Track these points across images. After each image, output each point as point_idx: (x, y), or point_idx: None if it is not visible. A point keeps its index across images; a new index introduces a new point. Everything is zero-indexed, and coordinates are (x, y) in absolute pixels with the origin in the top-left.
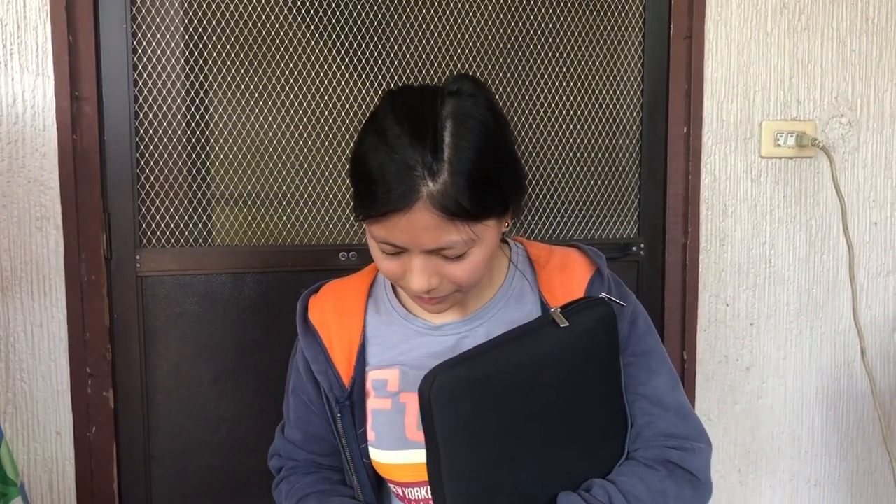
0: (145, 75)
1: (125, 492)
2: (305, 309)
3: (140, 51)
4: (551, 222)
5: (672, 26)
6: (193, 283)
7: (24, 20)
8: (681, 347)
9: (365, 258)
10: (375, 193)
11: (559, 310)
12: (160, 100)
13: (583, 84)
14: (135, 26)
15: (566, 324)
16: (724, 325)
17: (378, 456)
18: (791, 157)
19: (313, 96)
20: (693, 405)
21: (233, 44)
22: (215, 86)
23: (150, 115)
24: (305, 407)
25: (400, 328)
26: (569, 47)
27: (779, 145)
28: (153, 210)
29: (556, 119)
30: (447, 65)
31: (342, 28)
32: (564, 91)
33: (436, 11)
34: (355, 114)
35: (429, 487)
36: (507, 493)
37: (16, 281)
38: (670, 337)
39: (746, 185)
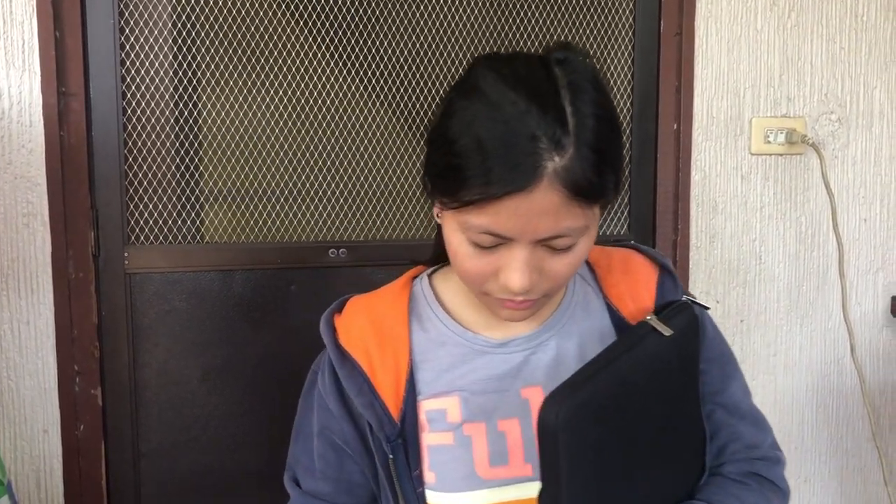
0: (133, 71)
1: (114, 489)
2: (335, 332)
3: (128, 46)
4: None
5: (662, 23)
6: (182, 280)
7: (10, 15)
8: None
9: (356, 255)
10: (488, 171)
11: (655, 317)
12: (148, 96)
13: None
14: (122, 22)
15: (670, 332)
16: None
17: (441, 500)
18: (781, 154)
19: (302, 92)
20: None
21: (221, 40)
22: (203, 82)
23: (139, 111)
24: (338, 451)
25: (456, 347)
26: None
27: (769, 142)
28: (141, 207)
29: None
30: (438, 61)
31: (331, 24)
32: None
33: (426, 7)
34: (344, 110)
35: None
36: None
37: (2, 278)
38: None
39: (736, 182)
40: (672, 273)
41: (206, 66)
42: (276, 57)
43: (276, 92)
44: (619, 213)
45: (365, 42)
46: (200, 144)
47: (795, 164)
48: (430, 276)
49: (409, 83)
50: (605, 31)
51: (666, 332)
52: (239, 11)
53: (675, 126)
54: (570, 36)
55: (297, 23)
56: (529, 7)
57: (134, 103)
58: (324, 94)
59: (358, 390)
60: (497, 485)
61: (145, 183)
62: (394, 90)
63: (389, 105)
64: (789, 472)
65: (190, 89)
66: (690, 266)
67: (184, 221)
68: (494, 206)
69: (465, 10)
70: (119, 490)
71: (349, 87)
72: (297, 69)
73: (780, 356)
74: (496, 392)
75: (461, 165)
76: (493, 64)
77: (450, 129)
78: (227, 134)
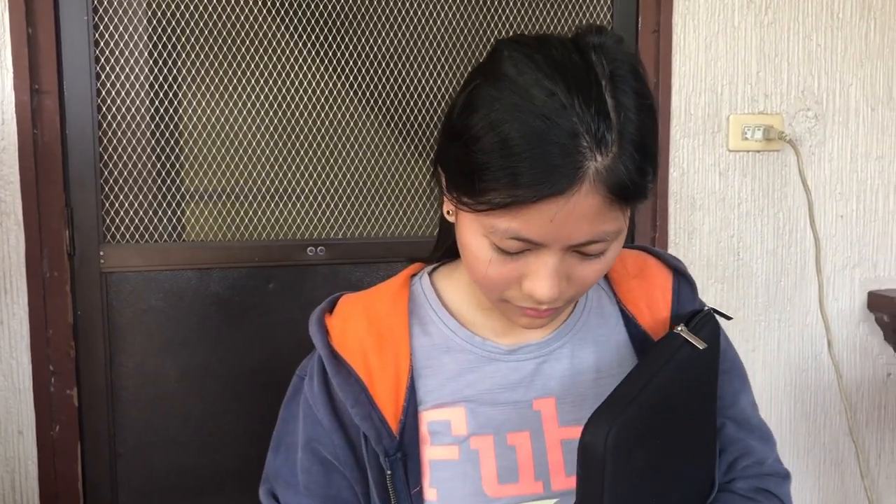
0: (108, 68)
1: (90, 491)
2: (327, 334)
3: (102, 43)
4: None
5: (640, 20)
6: (159, 278)
7: None
8: None
9: (334, 253)
10: (522, 173)
11: (686, 328)
12: (123, 93)
13: None
14: (97, 18)
15: (704, 346)
16: None
17: None
18: (758, 151)
19: (279, 90)
20: None
21: (197, 37)
22: (179, 79)
23: (114, 109)
24: (325, 465)
25: (462, 354)
26: None
27: (746, 139)
28: (117, 205)
29: None
30: (417, 59)
31: (309, 20)
32: None
33: (410, 5)
34: (322, 108)
35: None
36: None
37: None
38: None
39: (714, 179)
40: (688, 277)
41: (182, 63)
42: (254, 54)
43: (254, 90)
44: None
45: (344, 40)
46: (177, 143)
47: (773, 160)
48: (430, 274)
49: (388, 81)
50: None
51: (700, 344)
52: (216, 8)
53: None
54: (550, 33)
55: (273, 19)
56: (510, 4)
57: (109, 101)
58: (301, 92)
59: (355, 400)
60: (505, 503)
61: (121, 181)
62: (371, 88)
63: (367, 103)
64: None
65: (166, 87)
66: None
67: (160, 220)
68: (527, 210)
69: (444, 9)
70: (96, 491)
71: (326, 85)
72: (275, 67)
73: (758, 352)
74: (506, 403)
75: (490, 164)
76: (524, 48)
77: (477, 121)
78: (204, 132)
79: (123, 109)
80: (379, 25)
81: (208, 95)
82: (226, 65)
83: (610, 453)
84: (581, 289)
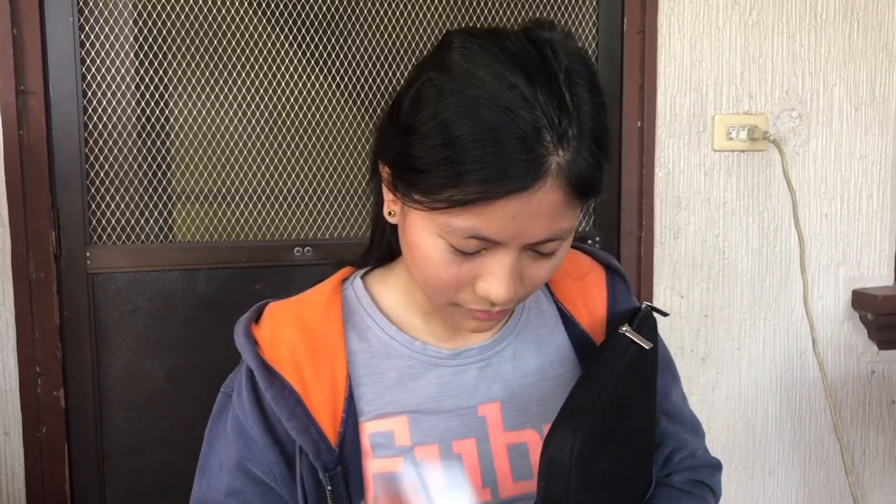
0: (94, 69)
1: (77, 492)
2: (256, 345)
3: (88, 44)
4: None
5: (625, 21)
6: (145, 279)
7: None
8: None
9: (321, 254)
10: (487, 168)
11: (629, 328)
12: (110, 94)
13: None
14: (82, 19)
15: (651, 345)
16: (679, 316)
17: None
18: (743, 151)
19: (266, 91)
20: None
21: (183, 38)
22: (166, 80)
23: (100, 110)
24: (260, 485)
25: (402, 360)
26: None
27: (731, 139)
28: (103, 206)
29: None
30: (405, 60)
31: (299, 21)
32: None
33: (396, 6)
34: (308, 109)
35: None
36: None
37: None
38: None
39: (700, 179)
40: (622, 274)
41: (168, 64)
42: (240, 55)
43: (241, 90)
44: (584, 210)
45: (331, 40)
46: (163, 143)
47: (757, 160)
48: (363, 278)
49: (374, 81)
50: (569, 29)
51: (646, 344)
52: (202, 9)
53: (639, 123)
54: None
55: (259, 19)
56: (495, 5)
57: (95, 102)
58: (287, 92)
59: (290, 413)
60: None
61: (107, 182)
62: (357, 88)
63: (354, 103)
64: (754, 463)
65: (152, 87)
66: (655, 262)
67: (146, 221)
68: (488, 208)
69: (430, 9)
70: (83, 493)
71: (313, 86)
72: (262, 67)
73: (743, 350)
74: (450, 410)
75: (452, 160)
76: (478, 40)
77: (432, 114)
78: (191, 133)
79: (109, 110)
80: (365, 26)
81: (195, 96)
82: (212, 65)
83: (576, 464)
84: (531, 289)
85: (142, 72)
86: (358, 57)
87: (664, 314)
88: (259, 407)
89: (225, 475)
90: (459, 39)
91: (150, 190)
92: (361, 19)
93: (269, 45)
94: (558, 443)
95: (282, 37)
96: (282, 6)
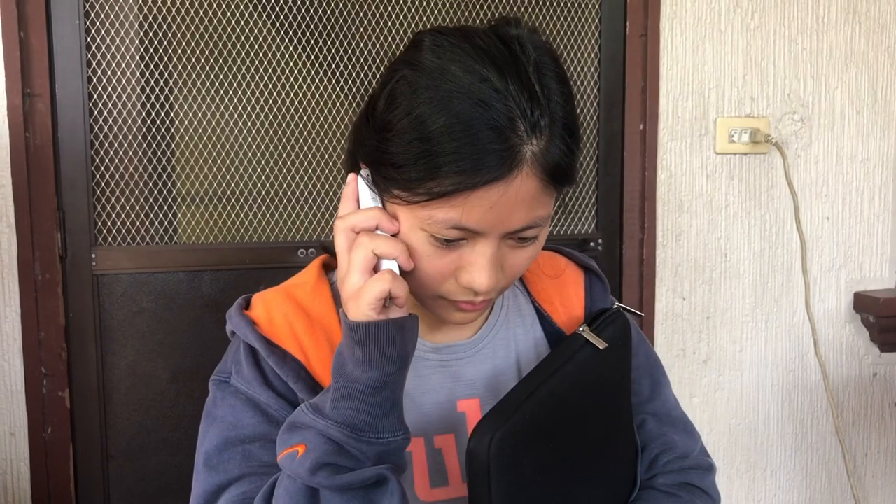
0: (100, 72)
1: (82, 492)
2: (252, 323)
3: (94, 47)
4: None
5: (628, 24)
6: (150, 281)
7: None
8: None
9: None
10: (465, 158)
11: (588, 328)
12: (115, 97)
13: None
14: (88, 22)
15: (605, 345)
16: (681, 318)
17: None
18: (745, 154)
19: (270, 93)
20: None
21: (188, 40)
22: (171, 83)
23: (105, 113)
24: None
25: None
26: None
27: (733, 141)
28: (108, 208)
29: None
30: None
31: (304, 24)
32: None
33: (400, 9)
34: (313, 110)
35: None
36: None
37: None
38: None
39: (702, 181)
40: (599, 275)
41: (173, 67)
42: (245, 58)
43: (245, 93)
44: (586, 213)
45: (335, 42)
46: (168, 145)
47: (759, 163)
48: None
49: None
50: (572, 33)
51: (600, 344)
52: (206, 12)
53: (641, 126)
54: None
55: (264, 23)
56: (497, 9)
57: (101, 104)
58: (291, 94)
59: (296, 376)
60: None
61: (112, 184)
62: (361, 90)
63: (358, 105)
64: (756, 465)
65: (157, 90)
66: (657, 264)
67: (151, 222)
68: (467, 198)
69: (434, 13)
70: (88, 493)
71: (318, 88)
72: (266, 70)
73: (745, 352)
74: (431, 405)
75: (428, 153)
76: (448, 38)
77: (407, 111)
78: (196, 135)
79: (115, 112)
80: (369, 28)
81: (199, 98)
82: (217, 68)
83: (494, 461)
84: (512, 278)
85: (147, 74)
86: (361, 59)
87: (639, 315)
88: (262, 375)
89: (242, 448)
90: (430, 38)
91: (156, 192)
92: (365, 22)
93: (274, 48)
94: (478, 439)
95: (286, 40)
96: (286, 9)
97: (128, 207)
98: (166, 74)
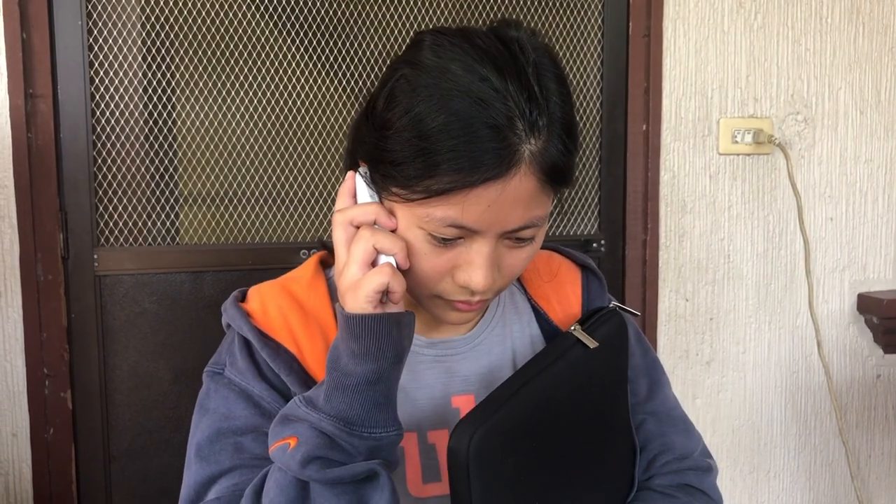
0: (102, 73)
1: (84, 493)
2: (247, 315)
3: (96, 48)
4: None
5: (631, 25)
6: (152, 281)
7: None
8: None
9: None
10: (463, 157)
11: (580, 327)
12: (118, 97)
13: None
14: (90, 23)
15: (595, 344)
16: (684, 320)
17: None
18: (748, 154)
19: (273, 93)
20: None
21: (191, 41)
22: (173, 83)
23: (108, 113)
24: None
25: None
26: None
27: (736, 142)
28: (111, 209)
29: None
30: None
31: (306, 25)
32: None
33: (404, 10)
34: (315, 111)
35: None
36: None
37: None
38: None
39: (705, 182)
40: (596, 273)
41: (176, 68)
42: (247, 58)
43: (248, 93)
44: (589, 214)
45: (338, 43)
46: (171, 146)
47: (762, 163)
48: None
49: None
50: (575, 33)
51: (591, 343)
52: (209, 13)
53: (644, 127)
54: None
55: (266, 23)
56: (500, 10)
57: (103, 105)
58: (294, 95)
59: (289, 369)
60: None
61: (115, 185)
62: (364, 91)
63: (360, 106)
64: (759, 467)
65: (160, 91)
66: (660, 265)
67: (154, 223)
68: (465, 196)
69: (437, 14)
70: (90, 494)
71: (319, 89)
72: (269, 70)
73: (748, 353)
74: (425, 400)
75: (427, 151)
76: (448, 38)
77: (407, 109)
78: (198, 136)
79: (117, 113)
80: (371, 29)
81: (202, 99)
82: (219, 68)
83: (473, 459)
84: (509, 278)
85: (149, 75)
86: (364, 60)
87: (634, 314)
88: (256, 367)
89: (234, 439)
90: (430, 38)
91: (158, 192)
92: (367, 22)
93: (276, 49)
94: (458, 437)
95: (288, 40)
96: (288, 10)
97: (130, 208)
98: (168, 75)
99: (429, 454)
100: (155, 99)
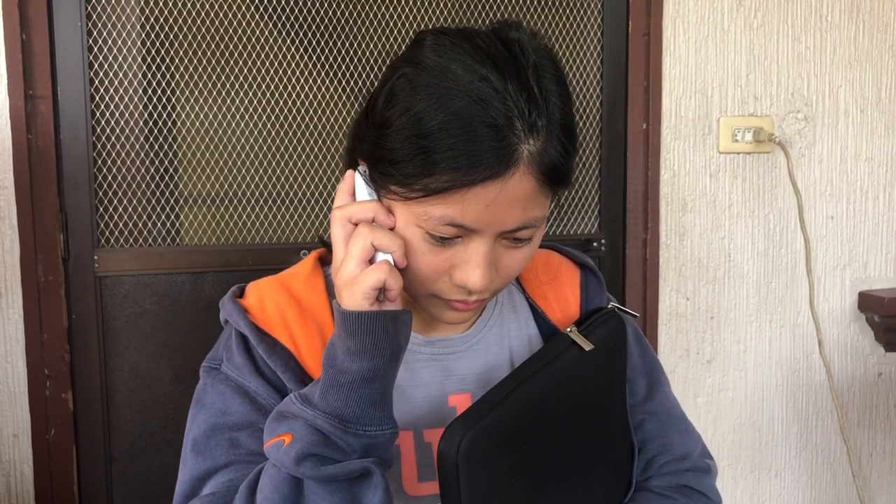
0: (101, 74)
1: (85, 494)
2: (245, 311)
3: (96, 49)
4: None
5: (630, 23)
6: (153, 282)
7: None
8: None
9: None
10: (461, 155)
11: (576, 329)
12: (117, 98)
13: None
14: (90, 24)
15: (591, 347)
16: (684, 319)
17: None
18: (749, 153)
19: (273, 93)
20: None
21: (191, 42)
22: (173, 84)
23: (108, 114)
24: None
25: None
26: None
27: (736, 141)
28: (111, 209)
29: None
30: None
31: (305, 25)
32: None
33: (404, 11)
34: (314, 111)
35: None
36: None
37: None
38: None
39: (705, 181)
40: (595, 273)
41: (175, 68)
42: (247, 58)
43: (248, 94)
44: (589, 212)
45: (337, 44)
46: (171, 147)
47: (763, 162)
48: None
49: None
50: (574, 32)
51: (586, 346)
52: (208, 14)
53: (644, 125)
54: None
55: (266, 23)
56: (500, 9)
57: (103, 106)
58: (294, 95)
59: (285, 365)
60: (425, 502)
61: (115, 185)
62: (364, 91)
63: (360, 106)
64: (761, 466)
65: (159, 91)
66: (661, 264)
67: (154, 224)
68: (464, 195)
69: (437, 13)
70: (91, 494)
71: (319, 89)
72: (269, 70)
73: (749, 352)
74: (422, 398)
75: (426, 149)
76: (449, 37)
77: (407, 107)
78: (198, 136)
79: (117, 114)
80: (372, 29)
81: (202, 100)
82: (219, 69)
83: (462, 462)
84: (506, 279)
85: (149, 76)
86: (364, 60)
87: (633, 315)
88: (253, 363)
89: (229, 435)
90: (431, 37)
91: (158, 193)
92: (367, 23)
93: (276, 49)
94: (447, 440)
95: (287, 41)
96: (287, 10)
97: (130, 209)
98: (168, 76)
99: (424, 453)
100: (155, 99)
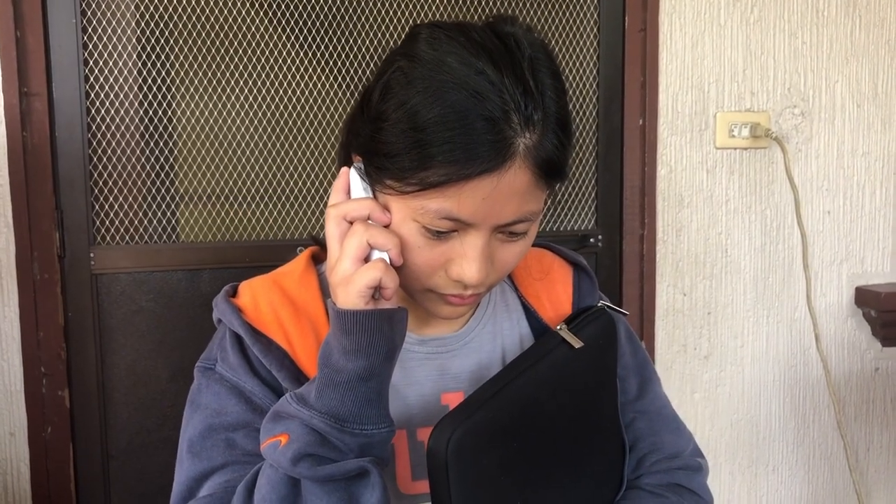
0: (97, 70)
1: (83, 492)
2: (239, 310)
3: (91, 46)
4: None
5: (627, 19)
6: (149, 280)
7: None
8: (639, 337)
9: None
10: (458, 149)
11: (566, 327)
12: (112, 95)
13: None
14: (85, 21)
15: (581, 344)
16: (681, 314)
17: None
18: (745, 148)
19: (269, 90)
20: None
21: (186, 38)
22: (169, 81)
23: (103, 111)
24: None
25: None
26: None
27: (733, 136)
28: (107, 207)
29: None
30: None
31: (301, 21)
32: None
33: (400, 7)
34: (310, 108)
35: None
36: None
37: None
38: None
39: (702, 176)
40: (588, 272)
41: (171, 65)
42: (243, 55)
43: (244, 91)
44: (586, 208)
45: (336, 40)
46: (167, 144)
47: (760, 157)
48: None
49: None
50: (571, 28)
51: (576, 343)
52: (204, 10)
53: (641, 121)
54: (537, 32)
55: (262, 20)
56: (497, 5)
57: (98, 103)
58: (291, 92)
59: (280, 364)
60: (419, 501)
61: (111, 183)
62: (362, 88)
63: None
64: (758, 461)
65: (155, 88)
66: (658, 259)
67: (150, 221)
68: (460, 189)
69: (434, 9)
70: (88, 492)
71: (316, 85)
72: (265, 67)
73: (746, 347)
74: (415, 397)
75: (421, 142)
76: (445, 31)
77: (403, 101)
78: (194, 133)
79: (113, 111)
80: (368, 26)
81: (198, 96)
82: (215, 66)
83: (452, 458)
84: (502, 273)
85: (144, 73)
86: (360, 56)
87: (623, 313)
88: (247, 362)
89: (225, 435)
90: (427, 31)
91: (154, 190)
92: (364, 19)
93: (273, 45)
94: (436, 437)
95: (283, 37)
96: (284, 5)
97: (126, 206)
98: (164, 72)
99: (418, 451)
100: (150, 96)
